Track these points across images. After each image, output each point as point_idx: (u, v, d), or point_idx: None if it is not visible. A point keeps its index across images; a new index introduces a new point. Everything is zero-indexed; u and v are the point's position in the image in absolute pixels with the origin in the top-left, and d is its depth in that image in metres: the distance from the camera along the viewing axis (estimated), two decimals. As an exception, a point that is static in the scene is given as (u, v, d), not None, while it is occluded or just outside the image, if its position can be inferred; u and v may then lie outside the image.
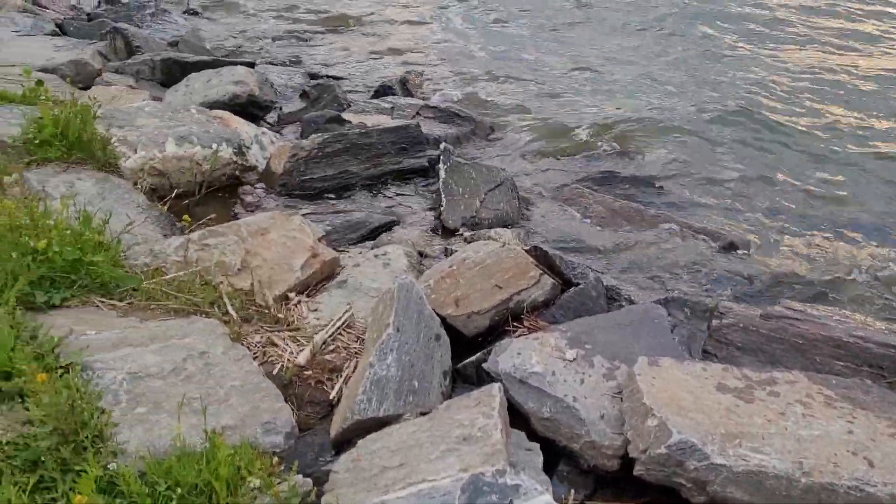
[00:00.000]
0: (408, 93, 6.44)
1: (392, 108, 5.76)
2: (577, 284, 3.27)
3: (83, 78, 5.76)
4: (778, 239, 4.25)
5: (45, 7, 7.87)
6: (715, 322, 3.11)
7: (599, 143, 5.49)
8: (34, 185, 3.74)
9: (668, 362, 2.53)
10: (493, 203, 4.28)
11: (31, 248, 2.75)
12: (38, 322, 2.55)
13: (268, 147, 4.99)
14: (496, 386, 2.38)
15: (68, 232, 2.94)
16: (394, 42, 8.31)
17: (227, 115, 5.17)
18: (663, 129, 5.87)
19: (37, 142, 4.02)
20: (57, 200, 3.54)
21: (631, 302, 3.31)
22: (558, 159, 5.24)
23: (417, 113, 5.63)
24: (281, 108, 5.87)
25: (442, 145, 4.63)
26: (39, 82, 4.74)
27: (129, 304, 2.91)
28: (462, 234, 4.01)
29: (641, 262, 3.83)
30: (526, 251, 3.39)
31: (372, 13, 9.52)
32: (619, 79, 7.26)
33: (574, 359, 2.65)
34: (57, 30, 6.94)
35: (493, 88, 6.90)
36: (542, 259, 3.36)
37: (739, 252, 4.03)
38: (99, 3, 8.62)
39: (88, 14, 7.99)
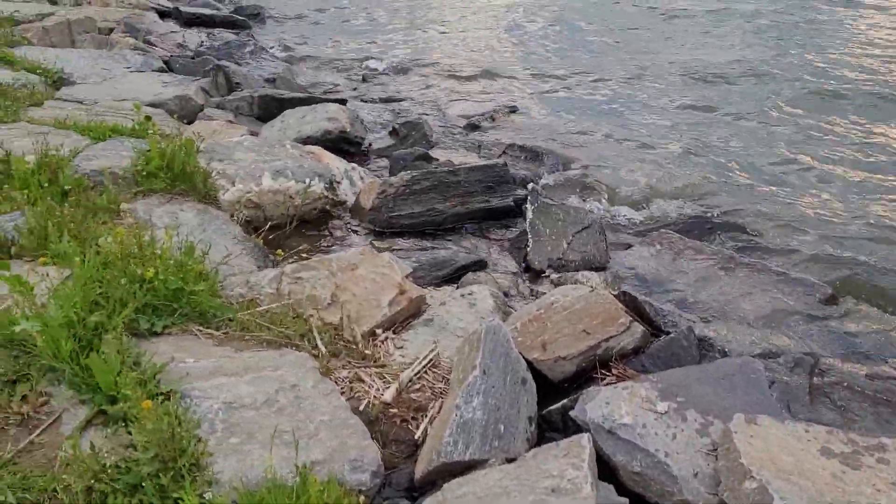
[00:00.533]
0: (495, 130, 6.49)
1: (479, 146, 5.82)
2: (668, 333, 3.18)
3: (187, 112, 6.06)
4: (883, 293, 4.03)
5: (154, 45, 8.35)
6: (816, 380, 2.96)
7: (689, 187, 5.38)
8: (141, 215, 3.94)
9: (767, 421, 2.42)
10: (580, 245, 4.24)
11: (138, 276, 2.89)
12: (141, 348, 2.67)
13: (357, 182, 5.11)
14: (586, 436, 2.33)
15: (171, 262, 3.07)
16: (481, 80, 8.42)
17: (319, 150, 5.33)
18: (757, 173, 5.71)
19: (144, 173, 4.25)
20: (161, 230, 3.73)
21: (725, 354, 3.19)
22: (647, 202, 5.15)
23: (504, 151, 5.66)
24: (371, 145, 6.02)
25: (530, 185, 4.64)
26: (148, 117, 5.00)
27: (224, 333, 3.00)
28: (548, 276, 3.98)
29: (735, 311, 3.70)
30: (615, 296, 3.33)
31: (459, 53, 9.70)
32: (709, 120, 7.12)
33: (665, 412, 2.57)
34: (164, 66, 7.33)
35: (580, 126, 6.89)
36: (632, 305, 3.29)
37: (841, 306, 3.84)
38: (202, 41, 9.08)
39: (193, 52, 8.43)
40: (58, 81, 6.24)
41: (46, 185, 3.88)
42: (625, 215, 4.96)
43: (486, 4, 13.58)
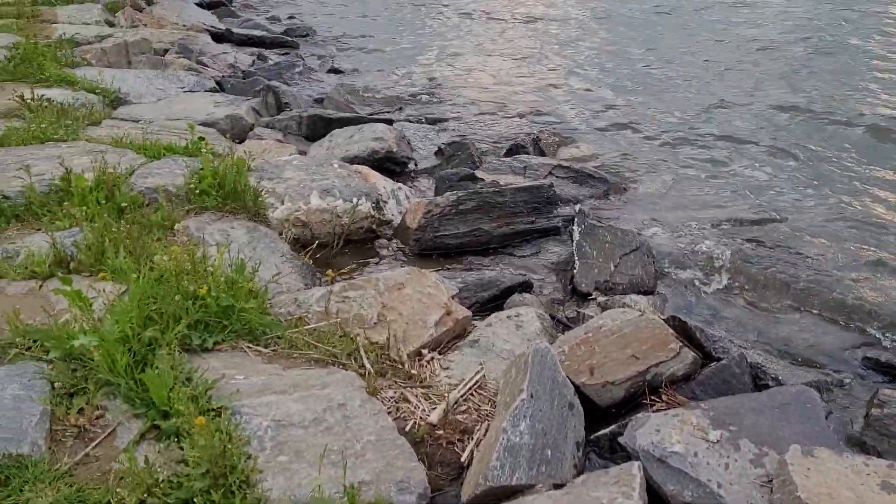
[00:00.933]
0: (540, 151, 6.49)
1: (524, 167, 5.81)
2: (719, 359, 3.12)
3: (238, 132, 6.19)
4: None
5: (207, 66, 8.56)
6: (875, 411, 2.87)
7: (742, 210, 5.29)
8: (193, 232, 4.03)
9: (825, 453, 2.35)
10: (627, 268, 4.20)
11: (191, 292, 2.94)
12: (193, 364, 2.72)
13: (403, 202, 5.14)
14: (636, 464, 2.29)
15: (223, 279, 3.13)
16: (527, 99, 8.42)
17: (366, 169, 5.38)
18: (817, 195, 5.59)
19: (197, 191, 4.34)
20: (213, 247, 3.81)
21: (779, 382, 3.11)
22: (696, 224, 5.07)
23: (550, 172, 5.65)
24: (416, 164, 6.06)
25: (577, 207, 4.61)
26: (201, 137, 5.11)
27: (273, 350, 3.04)
28: (595, 299, 3.94)
29: (789, 339, 3.61)
30: (664, 321, 3.28)
31: (506, 72, 9.73)
32: (766, 137, 7.01)
33: (718, 440, 2.51)
34: (216, 86, 7.51)
35: (627, 146, 6.83)
36: (682, 330, 3.24)
37: (900, 335, 3.72)
38: (253, 62, 9.28)
39: (244, 72, 8.62)
40: (115, 101, 6.43)
41: (104, 202, 3.99)
42: (674, 240, 4.89)
43: (536, 21, 13.61)
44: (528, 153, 6.29)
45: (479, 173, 5.60)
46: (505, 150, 6.43)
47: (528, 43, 11.99)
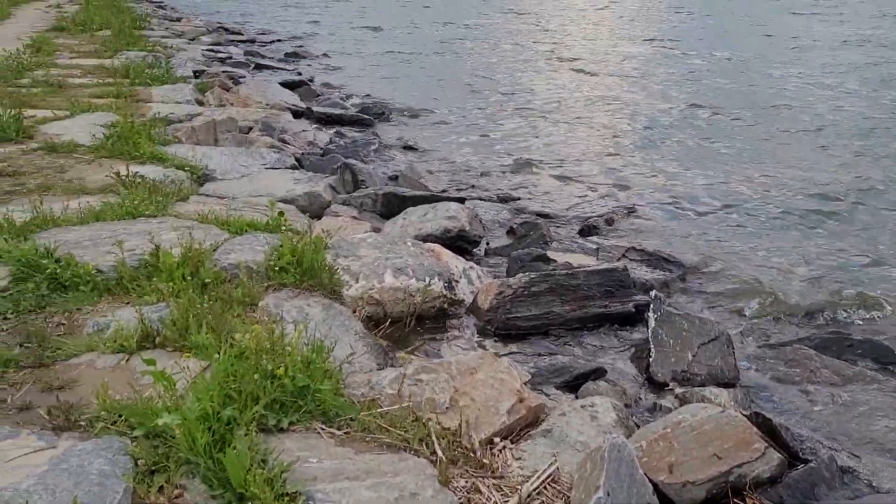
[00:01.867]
0: (613, 231, 6.46)
1: (597, 248, 5.79)
2: (807, 461, 2.96)
3: (316, 208, 6.39)
4: None
5: (288, 143, 8.93)
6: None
7: (824, 300, 5.10)
8: (272, 309, 4.13)
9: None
10: (706, 358, 4.07)
11: (269, 372, 3.00)
12: (268, 444, 2.75)
13: (475, 282, 5.17)
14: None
15: (299, 358, 3.18)
16: (599, 180, 8.44)
17: (438, 248, 5.45)
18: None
19: (276, 268, 4.47)
20: (291, 324, 3.90)
21: (873, 488, 2.93)
22: (777, 315, 4.91)
23: (624, 255, 5.60)
24: (488, 243, 6.11)
25: (652, 293, 4.54)
26: (281, 213, 5.31)
27: (346, 433, 3.04)
28: (673, 390, 3.83)
29: (882, 440, 3.41)
30: (747, 417, 3.15)
31: (579, 148, 9.81)
32: (852, 220, 6.82)
33: (809, 553, 2.37)
34: (296, 163, 7.81)
35: (704, 230, 6.73)
36: (766, 428, 3.10)
37: None
38: (331, 139, 9.65)
39: (322, 149, 8.95)
40: (202, 177, 6.75)
41: (189, 277, 4.15)
42: (752, 327, 4.74)
43: (608, 90, 13.77)
44: (600, 233, 6.27)
45: (550, 254, 5.60)
46: (577, 230, 6.43)
47: (602, 116, 12.11)
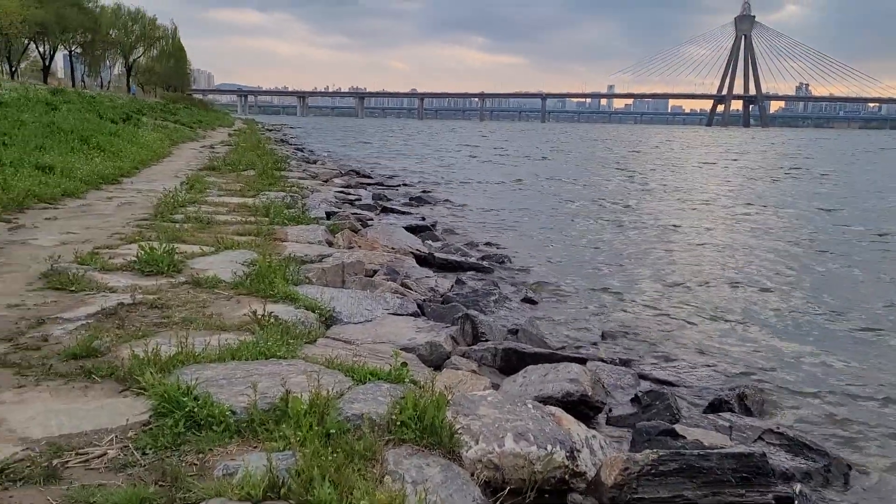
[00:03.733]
0: (747, 410, 6.05)
1: (730, 426, 5.44)
2: None
3: (436, 358, 6.42)
4: None
5: (410, 288, 9.17)
6: None
7: None
8: (390, 465, 4.07)
9: None
10: (864, 572, 3.63)
11: (395, 543, 2.91)
12: None
13: (598, 453, 4.93)
14: None
15: (422, 528, 3.08)
16: (730, 348, 8.08)
17: (559, 412, 5.28)
18: None
19: (398, 423, 4.46)
20: (409, 484, 3.82)
21: None
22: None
23: (760, 437, 5.22)
24: (611, 410, 5.88)
25: (797, 487, 4.16)
26: (404, 364, 5.35)
27: None
28: None
29: None
30: None
31: (705, 308, 9.50)
32: None
33: None
34: (418, 310, 7.96)
35: (847, 414, 6.21)
36: None
37: None
38: (452, 286, 9.83)
39: (443, 296, 9.12)
40: (328, 319, 6.98)
41: (315, 425, 4.19)
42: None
43: (740, 245, 13.45)
44: (733, 410, 5.90)
45: (678, 428, 5.30)
46: (707, 404, 6.09)
47: (733, 272, 11.77)
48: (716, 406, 6.02)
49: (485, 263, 11.80)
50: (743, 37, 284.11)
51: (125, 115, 35.80)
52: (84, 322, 5.72)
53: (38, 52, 65.67)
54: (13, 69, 60.00)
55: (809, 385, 6.93)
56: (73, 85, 67.96)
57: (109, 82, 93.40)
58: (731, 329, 8.84)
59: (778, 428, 5.36)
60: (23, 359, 4.81)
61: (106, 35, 73.48)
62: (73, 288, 6.60)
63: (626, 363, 7.18)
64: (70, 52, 71.56)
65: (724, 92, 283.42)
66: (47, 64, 67.54)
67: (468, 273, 11.10)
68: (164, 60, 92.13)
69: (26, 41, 58.11)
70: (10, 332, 5.34)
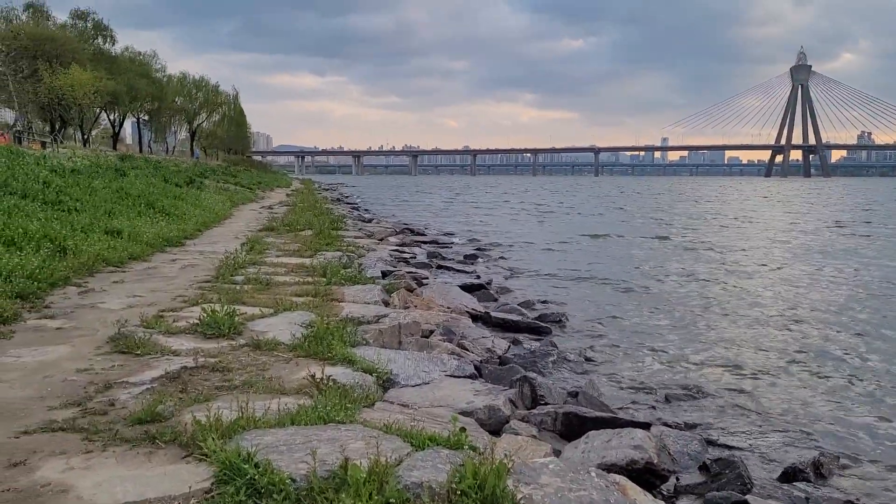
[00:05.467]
0: (821, 477, 5.75)
1: (806, 498, 5.15)
2: None
3: (494, 423, 6.31)
4: None
5: (467, 349, 9.10)
6: None
7: None
8: (451, 538, 3.98)
9: None
10: None
11: None
12: None
13: (666, 525, 4.73)
14: None
15: None
16: (806, 412, 7.69)
17: (624, 481, 5.10)
18: None
19: (458, 491, 4.36)
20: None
21: None
22: None
23: (839, 510, 4.93)
24: (678, 479, 5.65)
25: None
26: (463, 429, 5.26)
27: None
28: None
29: None
30: None
31: (775, 378, 9.13)
32: None
33: None
34: (475, 372, 7.87)
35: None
36: None
37: None
38: (508, 347, 9.72)
39: (500, 357, 9.01)
40: (386, 382, 6.95)
41: (375, 494, 4.14)
42: None
43: (812, 314, 12.98)
44: (808, 479, 5.60)
45: (751, 499, 5.06)
46: (780, 472, 5.80)
47: (803, 332, 11.34)
48: (790, 475, 5.72)
49: (541, 323, 11.67)
50: (800, 86, 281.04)
51: (189, 178, 37.17)
52: (149, 386, 5.83)
53: (109, 120, 69.21)
54: (85, 137, 63.22)
55: (892, 454, 6.54)
56: (141, 150, 71.18)
57: (174, 147, 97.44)
58: (803, 391, 8.46)
59: (858, 500, 5.06)
60: (90, 423, 4.92)
61: (172, 102, 77.02)
62: (138, 351, 6.76)
63: (691, 427, 6.93)
64: (138, 119, 75.23)
65: (783, 142, 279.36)
66: (117, 131, 71.04)
67: (525, 333, 10.98)
68: (225, 125, 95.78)
69: (98, 110, 61.28)
70: (80, 396, 5.48)
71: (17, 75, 40.87)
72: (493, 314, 11.72)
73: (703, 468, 5.80)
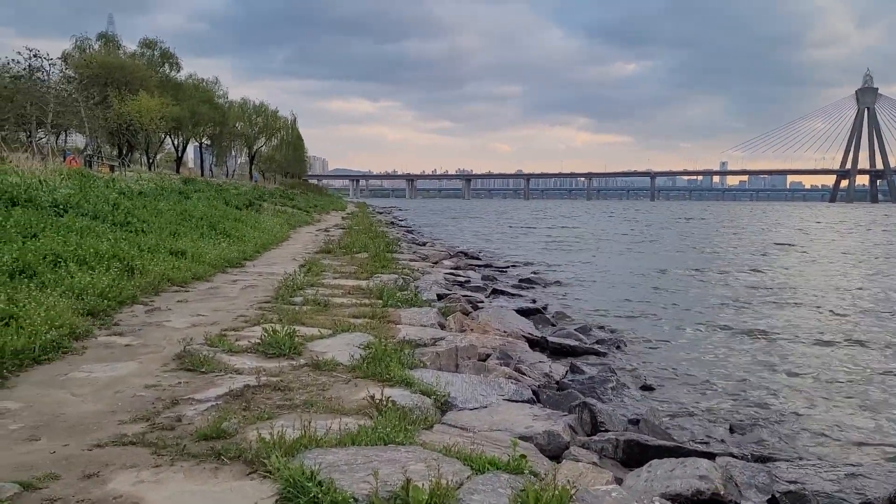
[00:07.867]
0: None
1: (885, 536, 4.92)
2: None
3: (554, 448, 6.22)
4: None
5: (524, 373, 9.02)
6: None
7: None
8: (514, 564, 3.92)
9: None
10: None
11: None
12: None
13: (735, 560, 4.57)
14: None
15: None
16: (878, 446, 7.37)
17: (689, 512, 4.97)
18: None
19: (520, 518, 4.31)
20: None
21: None
22: None
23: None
24: (746, 512, 5.47)
25: None
26: (523, 455, 5.21)
27: None
28: None
29: None
30: None
31: (852, 399, 8.79)
32: None
33: None
34: (533, 397, 7.79)
35: None
36: None
37: None
38: (566, 372, 9.60)
39: (558, 382, 8.90)
40: (444, 405, 6.93)
41: (436, 518, 4.12)
42: None
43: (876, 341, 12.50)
44: (885, 517, 5.36)
45: (823, 535, 4.85)
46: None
47: (877, 362, 10.90)
48: (867, 511, 5.49)
49: (600, 348, 11.50)
50: (866, 109, 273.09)
51: (248, 201, 38.07)
52: (214, 403, 5.95)
53: (173, 144, 71.67)
54: (151, 161, 65.53)
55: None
56: (202, 174, 73.35)
57: (234, 170, 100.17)
58: (874, 423, 8.12)
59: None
60: (159, 438, 5.04)
61: (233, 127, 79.39)
62: (203, 369, 6.92)
63: (759, 459, 6.70)
64: (200, 143, 77.71)
65: (848, 166, 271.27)
66: (180, 155, 73.48)
67: (582, 358, 10.83)
68: (283, 149, 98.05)
69: (163, 135, 63.52)
70: (148, 412, 5.63)
71: (89, 102, 42.74)
72: (550, 339, 11.61)
73: (773, 501, 5.59)
